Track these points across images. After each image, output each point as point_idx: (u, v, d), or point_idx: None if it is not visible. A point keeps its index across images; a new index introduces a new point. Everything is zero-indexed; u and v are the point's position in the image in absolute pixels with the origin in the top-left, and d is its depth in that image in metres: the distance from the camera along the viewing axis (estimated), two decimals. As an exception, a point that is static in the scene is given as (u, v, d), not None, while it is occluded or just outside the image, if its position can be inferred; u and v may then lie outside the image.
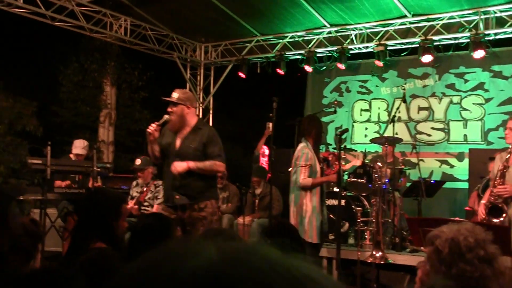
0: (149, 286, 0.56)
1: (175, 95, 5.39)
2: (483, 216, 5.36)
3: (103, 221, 3.35)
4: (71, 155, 8.23)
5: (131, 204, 7.67)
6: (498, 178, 5.39)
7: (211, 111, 12.74)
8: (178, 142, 5.38)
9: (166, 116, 5.33)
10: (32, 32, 13.53)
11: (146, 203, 7.92)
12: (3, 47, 15.43)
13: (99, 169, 7.25)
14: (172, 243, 0.61)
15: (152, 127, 5.29)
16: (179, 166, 5.20)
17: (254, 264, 0.57)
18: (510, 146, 5.36)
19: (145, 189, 7.97)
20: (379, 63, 10.42)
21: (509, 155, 5.38)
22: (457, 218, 5.55)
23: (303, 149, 6.25)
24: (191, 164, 5.23)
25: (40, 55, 15.56)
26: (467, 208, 8.35)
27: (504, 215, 5.30)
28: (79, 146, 8.19)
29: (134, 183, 8.27)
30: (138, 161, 7.98)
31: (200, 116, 12.55)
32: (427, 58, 9.82)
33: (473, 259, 2.19)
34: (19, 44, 15.80)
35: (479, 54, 9.39)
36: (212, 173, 5.46)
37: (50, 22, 9.48)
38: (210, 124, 12.60)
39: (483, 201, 5.47)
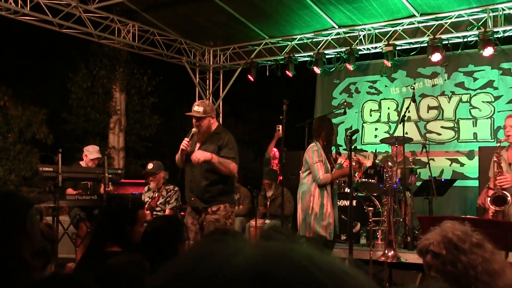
0: (192, 285, 0.57)
1: (199, 108, 5.64)
2: (491, 215, 5.57)
3: (117, 226, 3.39)
4: (82, 162, 8.25)
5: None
6: (496, 169, 5.73)
7: (221, 115, 12.73)
8: (197, 147, 5.70)
9: (193, 130, 5.62)
10: (40, 40, 13.62)
11: (158, 208, 7.93)
12: (12, 55, 15.53)
13: (110, 175, 7.26)
14: (212, 243, 0.62)
15: (186, 143, 5.63)
16: (200, 154, 5.47)
17: (295, 260, 0.57)
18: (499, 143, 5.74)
19: (156, 194, 7.98)
20: (388, 63, 10.39)
21: (498, 144, 5.76)
22: (467, 216, 5.54)
23: (312, 147, 6.34)
24: (214, 156, 5.48)
25: (48, 62, 15.65)
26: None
27: (508, 200, 5.54)
28: (94, 151, 8.23)
29: (146, 188, 8.28)
30: (150, 166, 7.99)
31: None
32: (436, 57, 9.79)
33: (471, 248, 2.25)
34: (28, 52, 15.90)
35: (488, 51, 9.34)
36: (227, 171, 5.64)
37: (57, 30, 9.52)
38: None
39: (490, 213, 5.70)
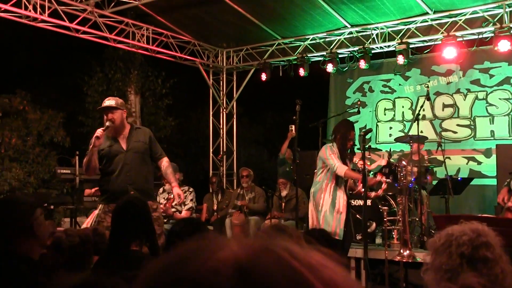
0: (181, 276, 0.61)
1: (112, 102, 5.54)
2: None
3: (146, 224, 3.45)
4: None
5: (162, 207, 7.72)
6: None
7: (235, 116, 12.79)
8: (123, 143, 5.60)
9: (108, 123, 5.47)
10: (57, 45, 13.77)
11: (173, 209, 7.98)
12: (30, 61, 15.72)
13: (126, 177, 7.32)
14: (199, 240, 0.66)
15: (100, 132, 5.41)
16: (180, 193, 5.69)
17: (276, 253, 0.62)
18: None
19: (171, 195, 8.02)
20: (401, 60, 10.22)
21: None
22: (484, 215, 5.50)
23: (324, 146, 6.45)
24: (176, 184, 5.75)
25: (65, 67, 15.81)
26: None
27: None
28: None
29: (161, 189, 8.33)
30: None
31: (225, 121, 12.65)
32: (449, 52, 9.67)
33: (454, 253, 2.22)
34: (45, 57, 16.07)
35: (503, 45, 9.13)
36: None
37: (74, 34, 9.65)
38: (235, 129, 12.70)
39: None
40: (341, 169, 6.26)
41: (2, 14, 8.74)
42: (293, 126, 9.68)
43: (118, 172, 5.54)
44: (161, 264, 0.64)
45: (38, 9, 8.86)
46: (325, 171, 6.47)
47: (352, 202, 7.01)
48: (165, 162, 5.78)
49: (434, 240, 2.32)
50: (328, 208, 6.32)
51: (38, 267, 2.53)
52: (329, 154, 6.37)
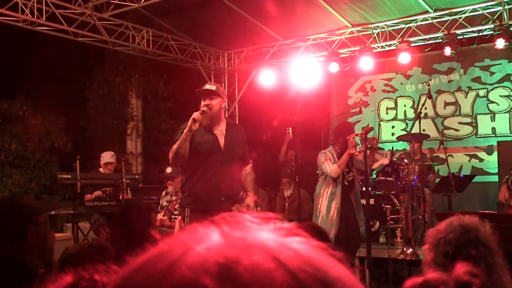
0: (158, 270, 0.57)
1: (213, 87, 4.96)
2: None
3: (138, 232, 3.39)
4: (100, 169, 8.34)
5: (160, 215, 7.71)
6: None
7: (237, 118, 12.76)
8: (221, 139, 4.97)
9: (205, 108, 4.81)
10: (57, 49, 13.76)
11: (176, 212, 7.96)
12: (30, 66, 15.71)
13: (128, 181, 7.33)
14: (183, 233, 0.63)
15: (198, 115, 4.74)
16: (251, 204, 5.12)
17: (263, 250, 0.58)
18: None
19: (174, 198, 8.01)
20: (406, 58, 10.09)
21: None
22: (486, 211, 5.47)
23: (321, 152, 6.48)
24: (252, 196, 5.20)
25: (65, 71, 15.80)
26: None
27: None
28: (106, 156, 8.31)
29: (164, 192, 8.32)
30: (169, 169, 8.02)
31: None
32: (448, 51, 9.65)
33: (440, 252, 2.30)
34: (45, 61, 16.06)
35: (500, 43, 9.15)
36: None
37: (73, 38, 9.62)
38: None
39: None
40: (334, 169, 6.33)
41: (-2, 18, 8.71)
42: (290, 129, 9.70)
43: (211, 175, 4.85)
44: (138, 262, 0.61)
45: (36, 12, 8.79)
46: (324, 177, 6.55)
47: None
48: (248, 168, 5.20)
49: (429, 234, 2.40)
50: (324, 213, 6.37)
51: (32, 276, 2.49)
52: (322, 161, 6.44)
